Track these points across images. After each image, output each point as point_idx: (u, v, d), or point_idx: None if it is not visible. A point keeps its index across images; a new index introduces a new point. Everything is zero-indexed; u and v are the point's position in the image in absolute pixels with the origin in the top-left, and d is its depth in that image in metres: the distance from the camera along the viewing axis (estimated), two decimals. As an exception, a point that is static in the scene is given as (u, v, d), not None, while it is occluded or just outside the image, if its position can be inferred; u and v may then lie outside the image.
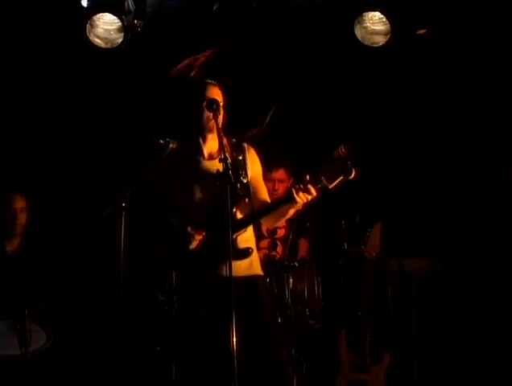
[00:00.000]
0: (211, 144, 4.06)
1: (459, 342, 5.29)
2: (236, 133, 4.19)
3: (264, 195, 4.12)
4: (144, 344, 5.13)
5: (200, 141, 4.06)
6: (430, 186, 5.60)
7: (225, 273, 3.76)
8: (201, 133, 4.05)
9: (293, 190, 3.84)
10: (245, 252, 3.91)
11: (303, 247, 5.40)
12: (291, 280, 4.94)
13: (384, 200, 5.45)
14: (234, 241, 3.77)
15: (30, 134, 5.77)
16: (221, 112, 3.99)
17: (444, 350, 5.27)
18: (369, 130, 5.67)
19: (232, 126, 4.21)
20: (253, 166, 4.11)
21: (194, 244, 3.90)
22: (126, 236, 3.83)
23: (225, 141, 3.96)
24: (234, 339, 3.47)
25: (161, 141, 4.08)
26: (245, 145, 4.14)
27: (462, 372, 5.19)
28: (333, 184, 3.81)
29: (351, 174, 3.78)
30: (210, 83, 4.07)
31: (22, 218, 5.21)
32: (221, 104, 4.00)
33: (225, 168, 3.66)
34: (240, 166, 4.00)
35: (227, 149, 3.99)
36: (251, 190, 4.04)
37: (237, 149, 4.08)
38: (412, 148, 5.67)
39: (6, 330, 4.66)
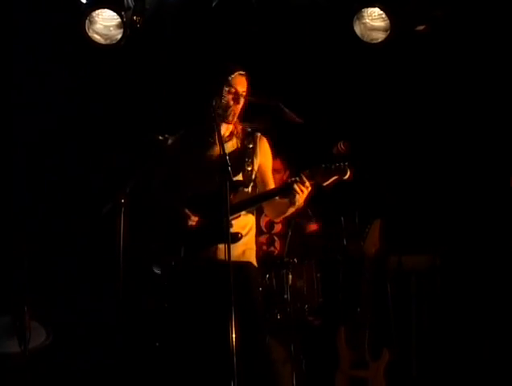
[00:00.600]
0: (223, 128, 4.05)
1: (458, 338, 5.29)
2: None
3: (268, 186, 4.12)
4: (144, 340, 5.14)
5: (214, 124, 4.00)
6: (429, 182, 5.60)
7: (217, 257, 3.90)
8: (217, 116, 3.99)
9: (290, 180, 3.90)
10: (234, 237, 3.89)
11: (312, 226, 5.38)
12: (290, 276, 4.95)
13: (383, 197, 5.45)
14: (227, 224, 3.76)
15: (29, 132, 5.76)
16: (241, 102, 4.01)
17: (443, 346, 5.27)
18: (368, 127, 5.67)
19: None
20: (263, 156, 4.11)
21: (190, 225, 3.93)
22: (126, 233, 3.83)
23: (239, 128, 4.07)
24: (233, 336, 3.47)
25: (160, 138, 4.08)
26: (258, 134, 4.15)
27: (461, 368, 5.19)
28: (327, 182, 3.86)
29: (346, 174, 3.83)
30: (236, 69, 4.03)
31: None
32: (244, 93, 4.01)
33: (225, 164, 3.67)
34: (248, 154, 4.04)
35: (238, 136, 4.07)
36: (257, 179, 4.08)
37: (249, 138, 4.10)
38: (411, 145, 5.66)
39: (6, 328, 4.66)
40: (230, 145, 4.05)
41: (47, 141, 5.74)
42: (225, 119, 4.02)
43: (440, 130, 5.57)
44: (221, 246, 3.86)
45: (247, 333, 3.77)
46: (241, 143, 4.07)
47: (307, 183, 3.84)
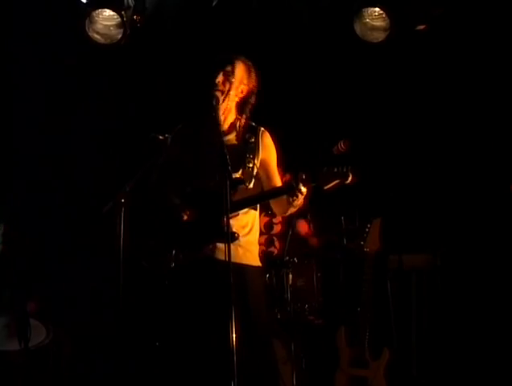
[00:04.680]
0: (224, 120, 3.99)
1: (458, 337, 5.29)
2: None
3: (273, 181, 4.06)
4: (144, 339, 5.14)
5: (213, 115, 3.94)
6: (429, 182, 5.60)
7: (216, 256, 3.85)
8: (214, 105, 3.93)
9: (290, 181, 3.85)
10: (230, 236, 3.81)
11: (303, 227, 5.36)
12: (290, 276, 4.95)
13: (383, 196, 5.45)
14: (227, 223, 3.75)
15: (29, 131, 5.76)
16: (230, 83, 3.94)
17: (444, 345, 5.27)
18: (368, 126, 5.67)
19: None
20: (265, 151, 4.04)
21: (183, 218, 3.88)
22: (126, 232, 3.82)
23: (242, 121, 4.01)
24: (234, 335, 3.47)
25: (160, 137, 4.07)
26: (261, 128, 4.07)
27: (461, 367, 5.19)
28: (328, 186, 3.81)
29: (347, 179, 3.78)
30: (231, 55, 4.01)
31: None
32: (232, 77, 3.95)
33: (225, 162, 3.65)
34: (249, 149, 3.98)
35: (239, 129, 4.01)
36: (261, 174, 4.02)
37: (251, 132, 4.03)
38: (411, 144, 5.66)
39: (6, 326, 4.66)
40: (228, 139, 3.96)
41: (47, 140, 5.74)
42: (217, 104, 3.92)
43: (441, 130, 5.58)
44: (221, 245, 3.82)
45: (246, 335, 3.75)
46: (241, 137, 3.99)
47: (303, 189, 3.79)
